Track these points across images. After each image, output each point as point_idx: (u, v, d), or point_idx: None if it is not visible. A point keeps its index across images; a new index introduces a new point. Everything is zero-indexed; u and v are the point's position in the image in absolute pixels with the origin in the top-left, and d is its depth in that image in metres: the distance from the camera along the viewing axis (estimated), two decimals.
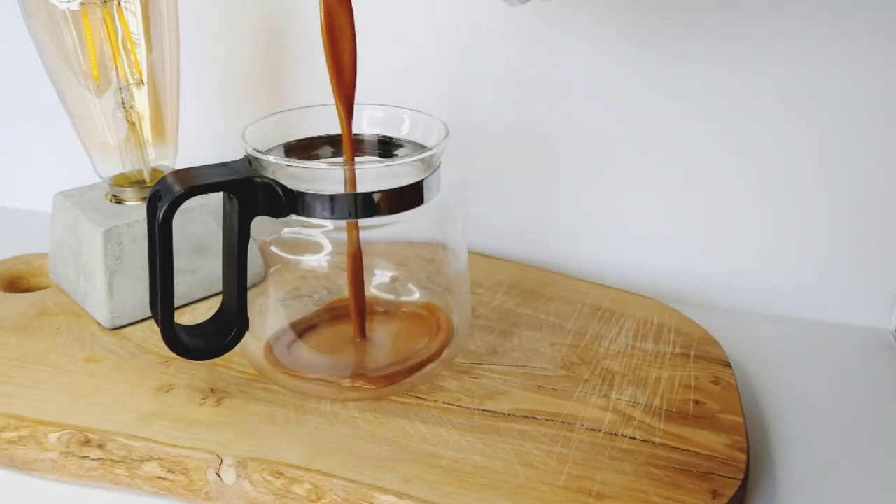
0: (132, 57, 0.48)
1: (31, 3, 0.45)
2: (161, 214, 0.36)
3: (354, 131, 0.44)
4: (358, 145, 0.45)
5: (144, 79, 0.49)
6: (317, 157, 0.45)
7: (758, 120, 0.53)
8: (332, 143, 0.45)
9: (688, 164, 0.55)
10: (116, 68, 0.48)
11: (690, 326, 0.50)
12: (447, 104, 0.58)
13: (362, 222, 0.41)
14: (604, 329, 0.50)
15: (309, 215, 0.39)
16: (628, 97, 0.54)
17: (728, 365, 0.47)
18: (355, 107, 0.41)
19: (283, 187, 0.38)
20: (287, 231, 0.39)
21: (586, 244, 0.60)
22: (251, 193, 0.38)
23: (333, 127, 0.45)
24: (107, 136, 0.50)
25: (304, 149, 0.44)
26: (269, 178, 0.38)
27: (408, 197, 0.40)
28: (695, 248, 0.58)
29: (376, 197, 0.38)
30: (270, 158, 0.38)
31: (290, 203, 0.38)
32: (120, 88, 0.48)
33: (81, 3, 0.45)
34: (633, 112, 0.55)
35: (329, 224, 0.39)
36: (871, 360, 0.53)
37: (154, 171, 0.52)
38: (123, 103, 0.49)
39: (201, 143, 0.59)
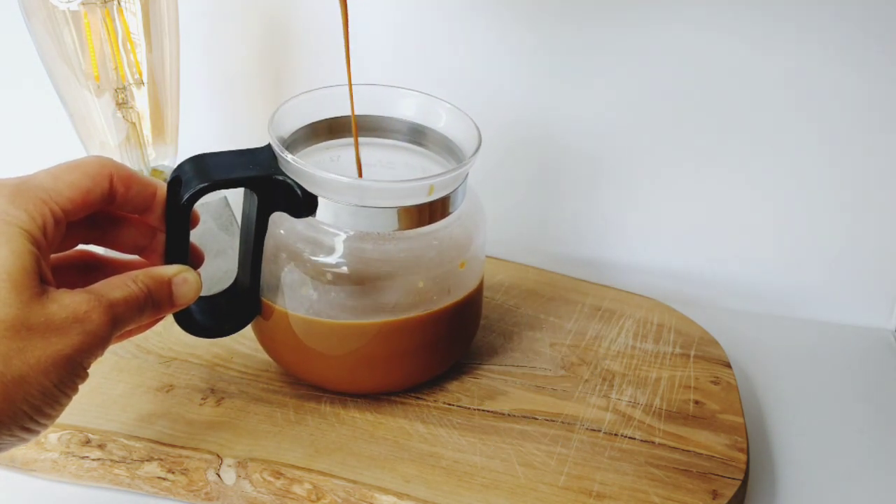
0: (132, 57, 0.48)
1: (31, 3, 0.45)
2: (183, 201, 0.35)
3: (387, 114, 0.43)
4: (388, 128, 0.43)
5: (144, 79, 0.49)
6: (343, 136, 0.43)
7: (758, 121, 0.53)
8: (360, 124, 0.43)
9: (688, 165, 0.55)
10: (116, 68, 0.48)
11: (690, 326, 0.50)
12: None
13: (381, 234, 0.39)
14: (604, 329, 0.50)
15: (324, 220, 0.38)
16: (629, 98, 0.54)
17: (728, 365, 0.47)
18: (392, 90, 0.41)
19: (302, 189, 0.37)
20: (303, 227, 0.39)
21: (586, 244, 0.60)
22: (270, 192, 0.37)
23: (363, 107, 0.43)
24: (107, 136, 0.50)
25: (330, 130, 0.43)
26: (290, 179, 0.37)
27: (428, 211, 0.39)
28: (695, 248, 0.58)
29: (397, 212, 0.38)
30: (289, 158, 0.36)
31: (307, 205, 0.38)
32: (120, 88, 0.48)
33: (81, 3, 0.45)
34: (633, 113, 0.55)
35: (343, 234, 0.38)
36: (871, 360, 0.53)
37: (154, 171, 0.52)
38: (124, 103, 0.49)
39: (202, 144, 0.59)
